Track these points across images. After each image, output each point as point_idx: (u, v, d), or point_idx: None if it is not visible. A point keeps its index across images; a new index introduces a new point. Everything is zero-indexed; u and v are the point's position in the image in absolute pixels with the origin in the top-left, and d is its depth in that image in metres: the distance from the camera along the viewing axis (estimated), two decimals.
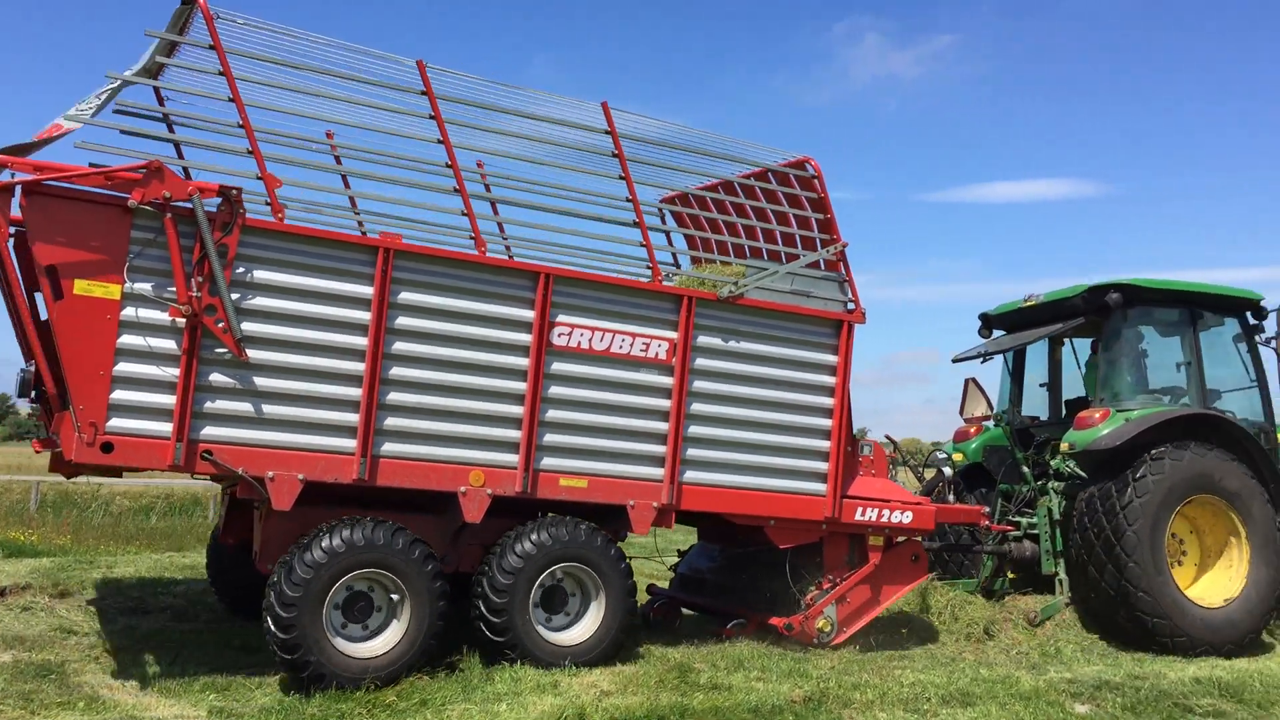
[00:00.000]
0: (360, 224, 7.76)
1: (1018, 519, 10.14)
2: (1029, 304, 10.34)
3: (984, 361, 10.78)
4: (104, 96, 6.35)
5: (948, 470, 10.31)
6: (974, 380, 10.97)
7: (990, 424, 10.89)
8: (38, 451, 7.58)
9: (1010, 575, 10.18)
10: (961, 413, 11.19)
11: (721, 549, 9.45)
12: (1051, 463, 10.09)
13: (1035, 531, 10.00)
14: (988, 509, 9.81)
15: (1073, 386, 10.95)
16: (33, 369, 6.21)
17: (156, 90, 7.05)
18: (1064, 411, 10.84)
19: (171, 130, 7.14)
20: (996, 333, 10.99)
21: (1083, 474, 9.68)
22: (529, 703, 6.15)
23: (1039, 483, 10.21)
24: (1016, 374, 11.00)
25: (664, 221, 9.23)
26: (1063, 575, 9.75)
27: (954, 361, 10.82)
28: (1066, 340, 10.98)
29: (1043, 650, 8.92)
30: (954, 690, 6.95)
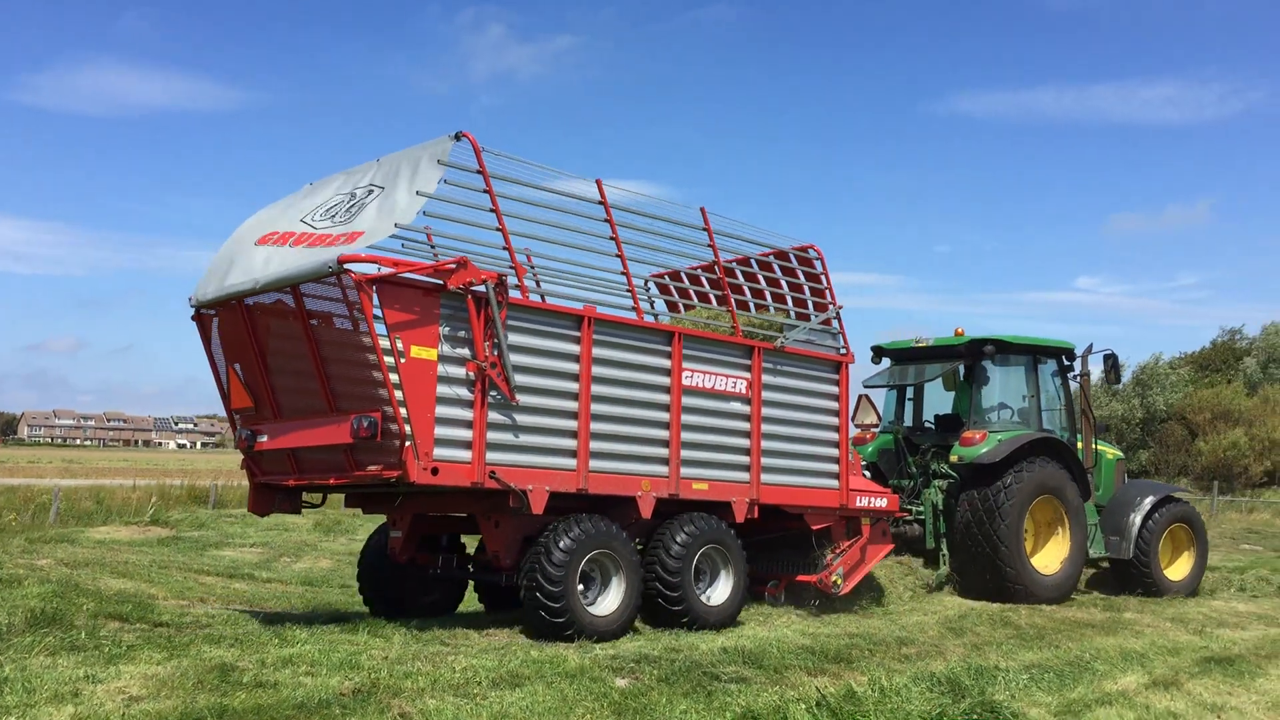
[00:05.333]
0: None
1: (909, 507, 13.72)
2: (919, 344, 14.04)
3: (890, 389, 14.40)
4: (415, 205, 8.37)
5: (867, 474, 13.71)
6: (867, 396, 14.45)
7: (877, 431, 14.44)
8: (290, 486, 9.25)
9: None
10: (853, 420, 14.66)
11: None
12: (933, 466, 13.78)
13: (922, 517, 13.62)
14: None
15: (939, 404, 14.76)
16: (380, 416, 8.08)
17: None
18: (935, 424, 14.59)
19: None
20: (884, 360, 14.62)
21: (955, 476, 13.38)
22: (42, 715, 5.71)
23: (920, 479, 13.88)
24: (916, 397, 14.67)
25: (651, 304, 11.98)
26: (945, 551, 13.39)
27: (865, 387, 14.32)
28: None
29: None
30: (504, 673, 7.13)
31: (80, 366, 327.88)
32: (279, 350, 8.91)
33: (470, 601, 11.25)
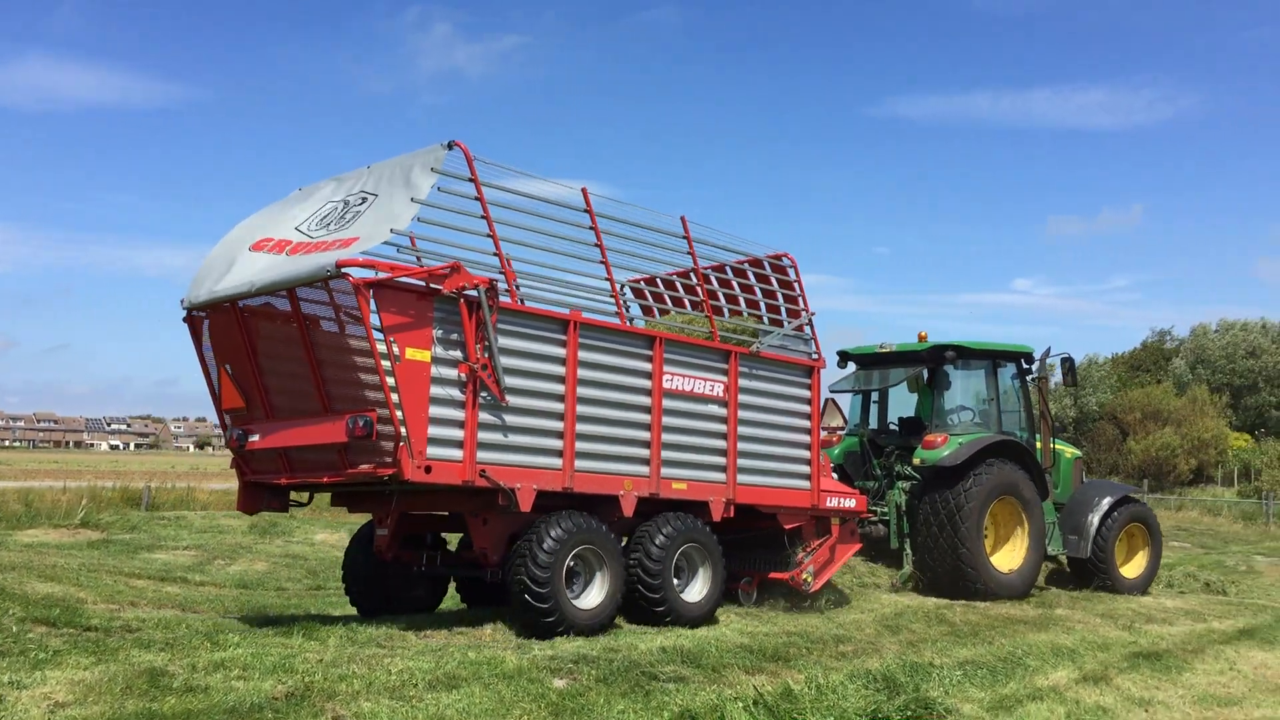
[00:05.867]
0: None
1: (874, 508, 14.12)
2: (884, 350, 14.45)
3: (855, 393, 14.80)
4: (410, 211, 8.53)
5: (835, 475, 14.08)
6: (833, 399, 14.84)
7: (843, 434, 14.83)
8: (282, 484, 9.35)
9: None
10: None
11: None
12: (897, 467, 14.19)
13: (886, 518, 14.01)
14: None
15: (903, 407, 15.18)
16: (374, 415, 8.23)
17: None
18: (899, 427, 15.01)
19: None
20: (850, 365, 15.00)
21: (918, 477, 13.76)
22: None
23: (885, 481, 14.28)
24: (881, 400, 15.08)
25: (627, 309, 12.21)
26: (908, 550, 13.77)
27: (831, 391, 14.69)
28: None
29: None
30: (441, 674, 7.01)
31: (8, 366, 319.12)
32: (272, 352, 9.02)
33: (453, 599, 11.42)
